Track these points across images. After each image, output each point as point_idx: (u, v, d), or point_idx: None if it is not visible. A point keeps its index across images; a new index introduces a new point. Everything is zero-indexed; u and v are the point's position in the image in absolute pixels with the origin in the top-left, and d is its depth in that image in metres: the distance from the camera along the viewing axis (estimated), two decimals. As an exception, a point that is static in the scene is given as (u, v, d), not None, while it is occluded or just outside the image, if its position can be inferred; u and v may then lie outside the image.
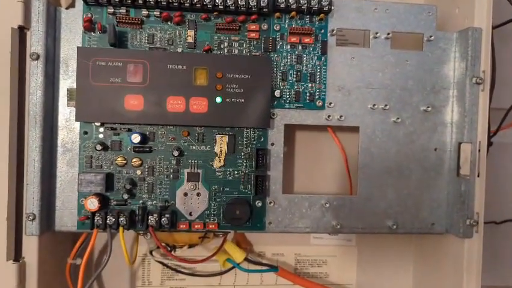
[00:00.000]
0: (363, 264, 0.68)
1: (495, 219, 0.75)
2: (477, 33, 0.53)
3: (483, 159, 0.54)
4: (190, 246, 0.60)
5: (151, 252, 0.61)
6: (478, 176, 0.54)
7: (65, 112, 0.51)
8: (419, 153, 0.56)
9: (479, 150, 0.54)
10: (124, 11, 0.51)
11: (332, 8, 0.53)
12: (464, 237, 0.54)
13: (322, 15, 0.53)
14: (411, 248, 0.69)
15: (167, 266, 0.63)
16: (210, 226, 0.52)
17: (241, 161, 0.53)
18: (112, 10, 0.50)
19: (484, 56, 0.54)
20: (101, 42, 0.51)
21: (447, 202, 0.56)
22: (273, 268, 0.61)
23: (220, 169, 0.53)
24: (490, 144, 0.65)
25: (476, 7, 0.54)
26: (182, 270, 0.64)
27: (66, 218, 0.51)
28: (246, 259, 0.60)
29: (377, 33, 0.54)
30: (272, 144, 0.53)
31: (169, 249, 0.59)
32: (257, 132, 0.53)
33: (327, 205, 0.54)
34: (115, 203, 0.51)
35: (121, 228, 0.50)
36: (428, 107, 0.55)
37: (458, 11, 0.58)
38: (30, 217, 0.48)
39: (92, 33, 0.51)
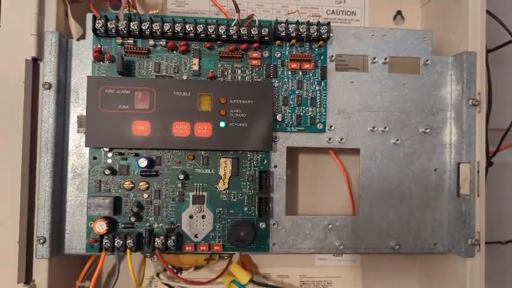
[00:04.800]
0: (368, 285, 0.69)
1: (500, 239, 0.75)
2: (471, 57, 0.55)
3: (482, 179, 0.55)
4: (196, 268, 0.61)
5: (157, 275, 0.62)
6: (478, 195, 0.55)
7: (75, 138, 0.53)
8: (419, 174, 0.57)
9: (478, 171, 0.55)
10: (132, 41, 0.53)
11: (331, 35, 0.55)
12: (466, 257, 0.54)
13: (321, 42, 0.55)
14: (416, 268, 0.69)
15: (174, 288, 0.64)
16: (215, 248, 0.53)
17: (244, 184, 0.54)
18: (121, 41, 0.53)
19: (479, 78, 0.55)
20: (110, 71, 0.53)
21: (448, 222, 0.57)
22: (278, 289, 0.61)
23: (224, 192, 0.54)
24: (490, 164, 0.66)
25: (470, 32, 0.56)
26: (189, 292, 0.64)
27: (75, 241, 0.53)
28: (251, 281, 0.60)
29: (374, 58, 0.56)
30: (275, 166, 0.55)
31: (175, 271, 0.60)
32: (260, 155, 0.54)
33: (330, 226, 0.55)
34: (122, 226, 0.53)
35: (128, 251, 0.51)
36: (426, 129, 0.57)
37: (453, 36, 0.60)
38: (41, 240, 0.50)
39: (101, 62, 0.53)
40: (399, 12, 0.70)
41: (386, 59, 0.56)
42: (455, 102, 0.57)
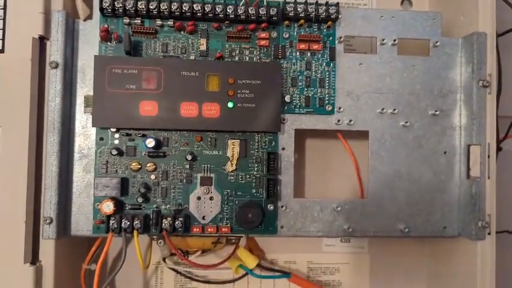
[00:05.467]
0: (376, 271, 0.68)
1: (508, 229, 0.74)
2: (482, 37, 0.55)
3: (493, 161, 0.55)
4: (203, 251, 0.60)
5: (164, 260, 0.62)
6: (489, 177, 0.54)
7: (82, 119, 0.53)
8: (428, 157, 0.56)
9: (488, 156, 0.54)
10: (139, 21, 0.53)
11: (339, 16, 0.55)
12: (476, 240, 0.54)
13: (330, 22, 0.55)
14: (425, 253, 0.69)
15: (180, 273, 0.63)
16: (223, 230, 0.53)
17: (252, 165, 0.54)
18: (128, 21, 0.52)
19: (489, 59, 0.55)
20: (117, 51, 0.53)
21: (458, 205, 0.56)
22: (286, 274, 0.61)
23: (232, 173, 0.54)
24: (499, 149, 0.66)
25: (480, 13, 0.56)
26: (195, 277, 0.64)
27: (82, 223, 0.52)
28: (258, 265, 0.60)
29: (383, 39, 0.56)
30: (283, 148, 0.54)
31: (182, 254, 0.59)
32: (268, 137, 0.54)
33: (339, 209, 0.55)
34: (129, 207, 0.52)
35: (135, 232, 0.50)
36: (436, 111, 0.56)
37: (462, 18, 0.59)
38: (48, 221, 0.49)
39: (108, 42, 0.53)
40: (406, -4, 0.69)
41: (395, 40, 0.56)
42: (465, 84, 0.56)
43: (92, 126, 0.51)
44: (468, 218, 0.54)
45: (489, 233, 0.54)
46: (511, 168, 0.74)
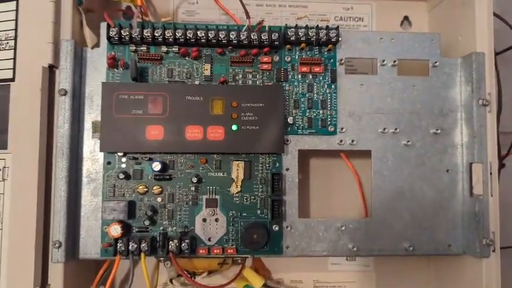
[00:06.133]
0: (382, 289, 0.68)
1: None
2: (480, 57, 0.56)
3: (495, 179, 0.55)
4: (210, 273, 0.61)
5: (171, 281, 0.62)
6: (492, 195, 0.55)
7: (90, 144, 0.54)
8: (431, 175, 0.57)
9: (490, 173, 0.55)
10: (145, 48, 0.54)
11: (340, 39, 0.56)
12: (481, 257, 0.54)
13: (330, 46, 0.56)
14: (430, 271, 0.69)
15: (187, 295, 0.64)
16: (229, 251, 0.54)
17: (257, 186, 0.55)
18: (134, 48, 0.54)
19: (488, 78, 0.56)
20: (123, 77, 0.54)
21: (462, 223, 0.56)
22: (292, 294, 0.61)
23: (237, 195, 0.54)
24: (502, 166, 0.66)
25: (478, 33, 0.57)
26: (202, 298, 0.64)
27: (90, 246, 0.53)
28: (264, 285, 0.60)
29: (383, 61, 0.57)
30: (287, 169, 0.55)
31: (189, 276, 0.60)
32: (272, 158, 0.55)
33: (343, 228, 0.55)
34: (136, 229, 0.53)
35: (142, 254, 0.51)
36: (437, 130, 0.57)
37: (461, 38, 0.61)
38: (57, 245, 0.50)
39: (115, 69, 0.54)
40: (406, 18, 0.71)
41: (394, 61, 0.57)
42: (465, 103, 0.57)
43: (100, 151, 0.52)
44: (472, 235, 0.55)
45: (493, 251, 0.54)
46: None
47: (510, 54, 0.68)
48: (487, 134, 0.55)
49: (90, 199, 0.53)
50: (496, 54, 0.61)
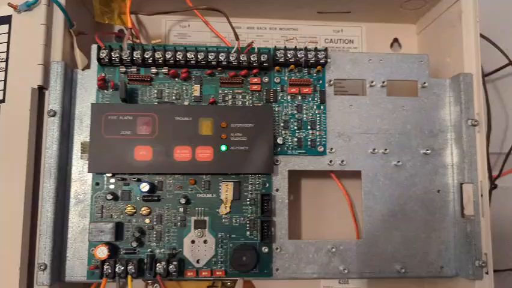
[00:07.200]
0: (376, 313, 0.67)
1: (510, 267, 0.73)
2: (468, 78, 0.56)
3: (486, 199, 0.55)
4: (199, 295, 0.60)
5: (160, 305, 0.61)
6: (483, 216, 0.54)
7: (78, 165, 0.54)
8: (422, 196, 0.56)
9: (481, 195, 0.55)
10: (135, 69, 0.55)
11: (328, 60, 0.56)
12: (474, 279, 0.53)
13: (319, 67, 0.56)
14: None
15: (176, 319, 0.62)
16: (217, 273, 0.53)
17: (246, 208, 0.54)
18: (124, 69, 0.55)
19: (476, 99, 0.56)
20: (113, 99, 0.54)
21: (454, 244, 0.56)
22: (283, 318, 0.60)
23: (226, 216, 0.54)
24: (494, 186, 0.66)
25: (465, 54, 0.57)
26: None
27: (76, 268, 0.52)
28: (255, 309, 0.59)
29: (372, 82, 0.57)
30: (277, 190, 0.55)
31: (177, 300, 0.59)
32: (261, 179, 0.55)
33: (334, 250, 0.55)
34: (124, 251, 0.52)
35: (129, 277, 0.50)
36: (427, 150, 0.57)
37: (449, 59, 0.61)
38: (42, 267, 0.49)
39: (105, 90, 0.54)
40: (396, 40, 0.72)
41: (383, 82, 0.57)
42: (455, 123, 0.57)
43: (89, 171, 0.52)
44: (465, 257, 0.54)
45: (487, 273, 0.53)
46: (508, 204, 0.74)
47: (499, 75, 0.69)
48: (476, 154, 0.55)
49: (78, 220, 0.53)
50: (485, 75, 0.61)
